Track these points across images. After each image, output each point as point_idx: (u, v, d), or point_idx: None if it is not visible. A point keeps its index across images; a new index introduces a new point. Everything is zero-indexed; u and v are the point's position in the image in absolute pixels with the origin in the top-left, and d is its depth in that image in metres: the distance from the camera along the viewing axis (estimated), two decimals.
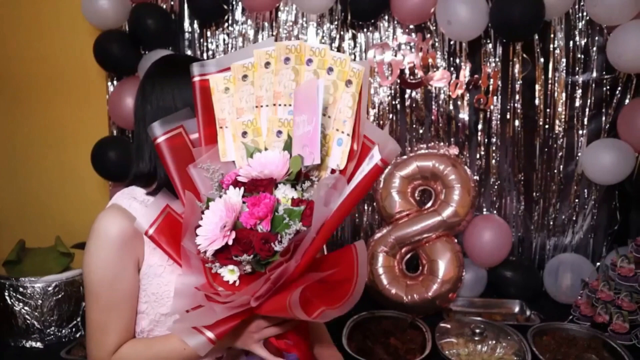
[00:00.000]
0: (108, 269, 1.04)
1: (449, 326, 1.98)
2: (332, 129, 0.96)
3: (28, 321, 1.94)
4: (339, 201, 0.87)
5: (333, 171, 0.94)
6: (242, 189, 0.89)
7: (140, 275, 1.08)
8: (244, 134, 0.98)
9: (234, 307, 0.89)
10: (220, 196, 0.90)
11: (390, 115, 2.39)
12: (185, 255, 0.94)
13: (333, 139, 0.95)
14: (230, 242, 0.85)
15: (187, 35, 2.46)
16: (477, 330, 1.85)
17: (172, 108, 1.05)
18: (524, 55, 2.25)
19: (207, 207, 0.90)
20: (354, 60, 0.96)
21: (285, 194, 0.89)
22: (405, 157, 2.32)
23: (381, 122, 2.40)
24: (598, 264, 2.25)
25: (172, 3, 2.41)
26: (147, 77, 1.12)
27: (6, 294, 1.92)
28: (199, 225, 0.89)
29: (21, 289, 1.91)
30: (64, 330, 1.99)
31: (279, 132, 0.95)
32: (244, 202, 0.89)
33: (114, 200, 1.10)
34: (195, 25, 2.45)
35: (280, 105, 0.96)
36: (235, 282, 0.90)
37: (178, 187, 0.99)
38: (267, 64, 0.96)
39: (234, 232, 0.86)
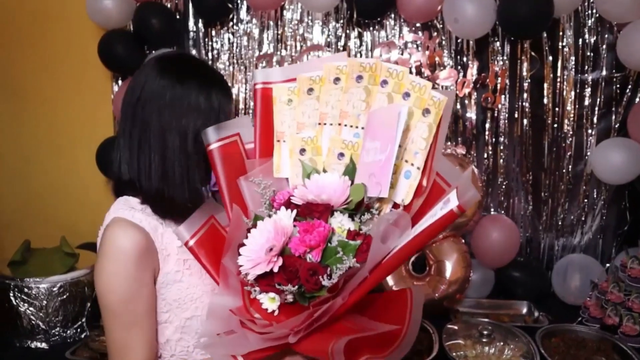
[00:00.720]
0: (128, 286, 0.99)
1: (456, 327, 1.96)
2: (402, 159, 0.87)
3: (33, 322, 1.93)
4: (399, 241, 0.79)
5: (396, 206, 0.85)
6: (295, 211, 0.83)
7: (157, 286, 1.05)
8: (302, 151, 0.92)
9: (270, 339, 0.82)
10: (270, 215, 0.84)
11: None
12: (224, 273, 0.89)
13: (401, 171, 0.86)
14: (275, 269, 0.79)
15: (191, 34, 2.45)
16: (485, 332, 1.82)
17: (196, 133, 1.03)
18: (532, 54, 2.22)
19: (254, 226, 0.84)
20: (433, 88, 0.85)
21: (341, 224, 0.83)
22: None
23: None
24: (608, 265, 2.21)
25: (176, 2, 2.41)
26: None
27: (11, 294, 1.92)
28: (243, 244, 0.83)
29: (26, 290, 1.90)
30: (68, 331, 1.98)
31: (341, 154, 0.88)
32: (295, 226, 0.83)
33: (115, 214, 1.04)
34: (200, 25, 2.44)
35: (345, 125, 0.88)
36: (274, 311, 0.83)
37: (226, 199, 0.93)
38: (337, 79, 0.89)
39: (280, 258, 0.80)
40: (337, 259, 0.78)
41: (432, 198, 0.81)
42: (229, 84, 2.33)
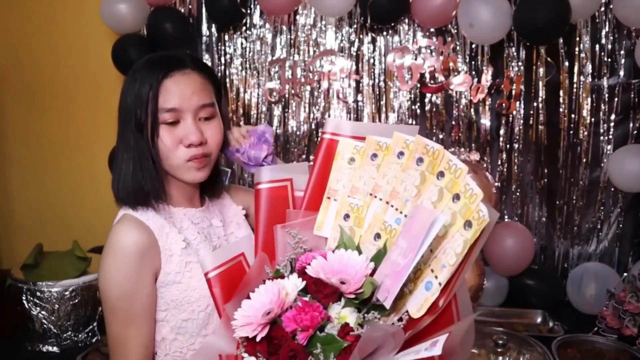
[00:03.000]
0: (127, 284, 1.02)
1: None
2: (428, 266, 0.78)
3: (45, 325, 1.93)
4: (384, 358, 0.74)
5: (409, 316, 0.78)
6: (304, 283, 0.80)
7: (157, 284, 1.07)
8: (347, 216, 0.89)
9: None
10: (285, 276, 0.82)
11: (410, 120, 2.35)
12: (226, 317, 0.85)
13: (424, 278, 0.78)
14: (258, 339, 0.76)
15: (204, 39, 2.45)
16: (500, 342, 1.79)
17: (128, 107, 1.06)
18: (548, 59, 2.19)
19: (274, 278, 0.83)
20: (468, 175, 0.77)
21: (339, 315, 0.78)
22: None
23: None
24: (625, 274, 2.17)
25: (190, 7, 2.41)
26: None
27: (23, 298, 1.92)
28: (249, 297, 0.80)
29: (38, 293, 1.91)
30: (80, 335, 1.98)
31: (378, 235, 0.84)
32: (296, 300, 0.80)
33: (124, 211, 1.09)
34: (213, 29, 2.44)
35: (392, 206, 0.84)
36: None
37: (259, 240, 0.93)
38: (401, 154, 0.86)
39: (267, 327, 0.77)
40: (324, 349, 0.75)
41: (439, 324, 0.74)
42: (241, 87, 2.41)
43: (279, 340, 0.76)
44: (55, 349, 1.95)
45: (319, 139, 0.94)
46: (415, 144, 0.84)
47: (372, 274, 0.79)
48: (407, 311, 0.78)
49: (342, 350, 0.74)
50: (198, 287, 1.07)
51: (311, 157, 2.31)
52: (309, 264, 0.80)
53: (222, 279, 0.90)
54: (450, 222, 0.75)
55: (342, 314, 0.78)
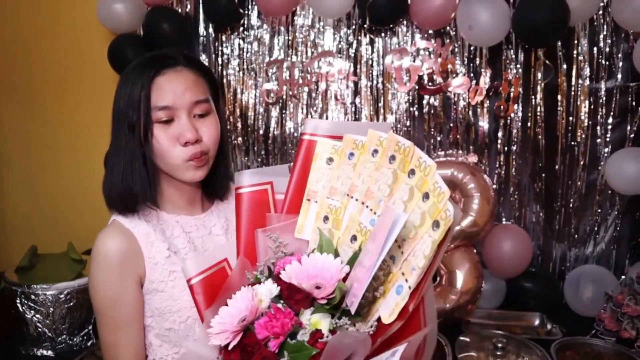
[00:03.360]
0: (110, 289, 1.04)
1: (468, 340, 1.93)
2: (399, 269, 0.77)
3: (39, 329, 1.91)
4: None
5: (378, 320, 0.77)
6: (279, 289, 0.80)
7: (143, 291, 1.08)
8: (326, 218, 0.90)
9: None
10: (262, 281, 0.83)
11: (408, 122, 2.34)
12: (207, 322, 0.85)
13: (395, 282, 0.77)
14: (230, 347, 0.76)
15: (201, 39, 2.43)
16: (500, 345, 1.79)
17: (120, 110, 1.05)
18: (547, 62, 2.19)
19: (253, 283, 0.84)
20: (437, 172, 0.76)
21: (309, 321, 0.77)
22: None
23: (398, 128, 2.35)
24: (623, 277, 2.18)
25: (187, 7, 2.39)
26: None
27: (18, 301, 1.90)
28: (227, 304, 0.80)
29: (33, 297, 1.88)
30: (75, 339, 1.96)
31: (354, 237, 0.84)
32: (269, 307, 0.79)
33: (115, 217, 1.10)
34: (211, 30, 2.42)
35: (367, 207, 0.84)
36: None
37: (241, 245, 0.94)
38: (375, 151, 0.86)
39: (240, 335, 0.77)
40: (293, 357, 0.74)
41: (407, 330, 0.74)
42: (238, 88, 2.40)
43: (252, 347, 0.75)
44: (50, 352, 1.93)
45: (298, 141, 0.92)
46: (388, 141, 0.84)
47: (344, 279, 0.78)
48: (379, 317, 0.77)
49: (311, 357, 0.73)
50: (180, 298, 1.07)
51: None
52: (284, 269, 0.80)
53: (204, 285, 0.89)
54: (419, 223, 0.75)
55: (314, 320, 0.77)
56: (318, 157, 0.93)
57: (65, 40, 2.50)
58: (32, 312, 1.90)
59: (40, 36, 2.53)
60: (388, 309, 0.76)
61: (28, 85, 2.57)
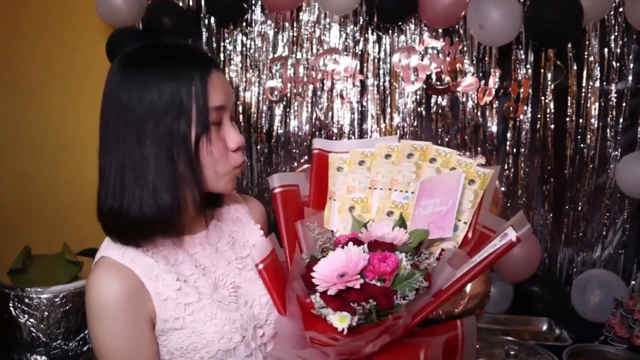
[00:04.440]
0: (121, 344, 0.88)
1: (477, 346, 1.88)
2: None
3: (33, 334, 1.83)
4: (461, 269, 0.85)
5: (442, 251, 0.92)
6: (365, 245, 0.88)
7: (156, 332, 0.92)
8: (352, 208, 0.99)
9: (344, 352, 0.82)
10: (324, 256, 0.89)
11: (415, 122, 2.29)
12: (289, 300, 0.91)
13: None
14: (358, 286, 0.83)
15: (204, 34, 2.36)
16: (512, 352, 1.75)
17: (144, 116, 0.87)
18: (558, 62, 2.15)
19: (312, 262, 0.89)
20: (479, 165, 0.95)
21: (403, 259, 0.89)
22: None
23: (405, 128, 2.30)
24: (633, 282, 2.15)
25: (188, 1, 2.32)
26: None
27: (10, 304, 1.82)
28: (310, 273, 0.87)
29: (26, 300, 1.81)
30: (70, 344, 1.88)
31: (390, 212, 0.97)
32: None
33: (105, 251, 0.93)
34: (213, 24, 2.35)
35: (396, 190, 0.97)
36: (343, 330, 0.82)
37: (284, 238, 0.97)
38: (388, 155, 0.99)
39: (361, 279, 0.84)
40: (407, 283, 0.85)
41: (477, 245, 0.89)
42: (241, 86, 2.33)
43: (366, 290, 0.83)
44: (44, 358, 1.85)
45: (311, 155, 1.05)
46: (402, 146, 0.98)
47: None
48: (441, 249, 0.92)
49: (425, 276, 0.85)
50: (205, 332, 0.92)
51: None
52: (357, 235, 0.91)
53: (269, 271, 0.96)
54: None
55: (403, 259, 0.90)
56: (331, 166, 1.03)
57: (63, 34, 2.41)
58: (26, 316, 1.82)
59: (36, 28, 2.44)
60: (451, 243, 0.92)
61: (22, 81, 2.47)
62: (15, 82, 2.47)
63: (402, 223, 0.94)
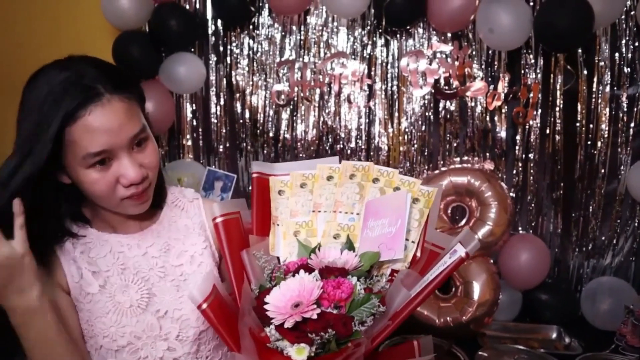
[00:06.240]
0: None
1: (486, 355, 1.86)
2: None
3: None
4: (414, 289, 0.87)
5: (392, 272, 0.93)
6: (317, 272, 0.86)
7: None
8: (297, 232, 0.97)
9: None
10: (273, 285, 0.88)
11: (423, 127, 2.27)
12: (242, 336, 0.87)
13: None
14: (315, 316, 0.81)
15: (210, 37, 2.34)
16: None
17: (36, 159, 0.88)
18: (568, 67, 2.13)
19: (262, 294, 0.86)
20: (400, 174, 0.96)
21: (357, 283, 0.88)
22: (437, 171, 2.20)
23: (413, 133, 2.28)
24: None
25: (195, 4, 2.30)
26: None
27: None
28: (262, 306, 0.84)
29: None
30: None
31: (337, 235, 0.96)
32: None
33: None
34: (220, 28, 2.34)
35: (340, 212, 0.97)
36: None
37: (229, 267, 0.93)
38: (330, 177, 0.97)
39: (317, 308, 0.82)
40: (364, 308, 0.84)
41: (427, 264, 0.90)
42: (247, 89, 2.32)
43: (323, 318, 0.81)
44: None
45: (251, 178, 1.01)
46: (343, 167, 0.96)
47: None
48: (391, 270, 0.93)
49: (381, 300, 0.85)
50: (93, 325, 0.99)
51: None
52: (308, 261, 0.89)
53: (214, 309, 0.89)
54: None
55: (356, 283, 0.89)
56: (272, 190, 0.99)
57: (68, 36, 2.41)
58: None
59: (42, 32, 2.43)
60: (400, 263, 0.93)
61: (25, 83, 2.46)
62: (20, 86, 2.46)
63: (349, 245, 0.93)
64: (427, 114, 2.26)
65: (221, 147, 2.40)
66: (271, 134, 2.36)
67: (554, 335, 2.11)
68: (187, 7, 2.29)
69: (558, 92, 2.16)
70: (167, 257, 1.06)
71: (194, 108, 2.40)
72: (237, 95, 2.36)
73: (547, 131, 2.20)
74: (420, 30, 2.22)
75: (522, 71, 2.17)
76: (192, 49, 2.31)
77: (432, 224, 0.95)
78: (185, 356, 1.04)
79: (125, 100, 0.91)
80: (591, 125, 2.17)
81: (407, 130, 2.27)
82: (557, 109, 2.17)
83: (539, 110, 2.19)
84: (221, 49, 2.35)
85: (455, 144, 2.26)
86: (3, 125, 2.49)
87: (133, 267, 1.03)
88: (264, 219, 0.99)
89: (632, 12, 2.06)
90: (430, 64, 2.20)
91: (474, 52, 2.19)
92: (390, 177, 0.95)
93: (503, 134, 2.22)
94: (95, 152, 0.88)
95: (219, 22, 2.33)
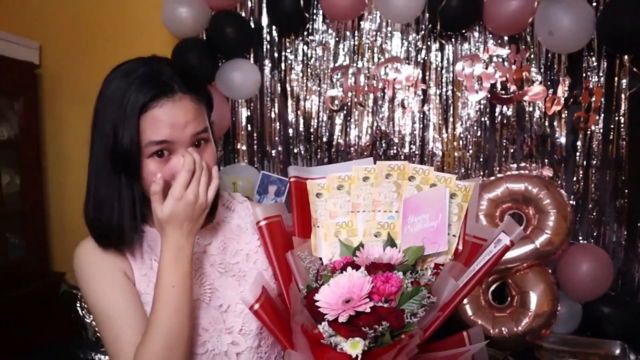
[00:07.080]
0: (97, 279, 0.99)
1: None
2: None
3: (98, 334, 1.88)
4: (462, 279, 0.89)
5: (436, 266, 0.95)
6: (363, 268, 0.89)
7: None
8: (337, 233, 0.99)
9: None
10: (319, 284, 0.90)
11: (479, 132, 2.22)
12: (295, 333, 0.91)
13: None
14: (368, 310, 0.83)
15: (265, 44, 2.39)
16: None
17: (114, 142, 0.94)
18: (634, 70, 2.04)
19: (310, 293, 0.88)
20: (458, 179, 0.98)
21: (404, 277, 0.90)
22: (493, 178, 2.15)
23: (468, 138, 2.24)
24: None
25: (251, 12, 2.35)
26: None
27: (78, 305, 1.89)
28: (308, 305, 0.87)
29: None
30: None
31: (378, 233, 0.98)
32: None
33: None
34: (274, 34, 2.38)
35: (379, 211, 0.99)
36: (357, 356, 0.83)
37: (275, 268, 0.98)
38: (366, 178, 0.99)
39: (370, 302, 0.84)
40: (413, 300, 0.86)
41: (471, 255, 0.93)
42: (301, 95, 2.34)
43: (375, 313, 0.83)
44: (107, 358, 1.89)
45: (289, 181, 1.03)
46: (378, 167, 0.98)
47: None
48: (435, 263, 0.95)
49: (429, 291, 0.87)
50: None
51: None
52: (354, 258, 0.92)
53: (265, 309, 0.93)
54: None
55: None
56: (310, 193, 1.02)
57: (132, 44, 2.51)
58: (92, 316, 1.88)
59: (105, 39, 2.55)
60: (442, 257, 0.95)
61: (89, 90, 2.55)
62: (85, 91, 2.52)
63: (391, 242, 0.95)
64: (482, 119, 2.22)
65: (274, 151, 2.44)
66: (325, 139, 2.38)
67: (618, 351, 2.01)
68: (243, 14, 2.34)
69: (623, 96, 2.07)
70: (224, 255, 1.09)
71: (249, 113, 2.45)
72: (292, 100, 2.39)
73: (611, 136, 2.11)
74: (476, 34, 2.18)
75: (584, 74, 2.09)
76: (248, 56, 2.36)
77: (471, 217, 0.97)
78: (248, 351, 1.05)
79: (195, 101, 0.96)
80: None
81: (462, 135, 2.24)
82: (622, 113, 2.08)
83: (602, 115, 2.10)
84: (276, 55, 2.39)
85: (512, 150, 2.20)
86: (66, 127, 2.64)
87: (195, 263, 1.05)
88: (304, 221, 1.01)
89: None
90: (486, 68, 2.16)
91: (532, 56, 2.13)
92: (426, 175, 0.97)
93: (563, 140, 2.15)
94: (157, 140, 0.92)
95: (274, 28, 2.37)
